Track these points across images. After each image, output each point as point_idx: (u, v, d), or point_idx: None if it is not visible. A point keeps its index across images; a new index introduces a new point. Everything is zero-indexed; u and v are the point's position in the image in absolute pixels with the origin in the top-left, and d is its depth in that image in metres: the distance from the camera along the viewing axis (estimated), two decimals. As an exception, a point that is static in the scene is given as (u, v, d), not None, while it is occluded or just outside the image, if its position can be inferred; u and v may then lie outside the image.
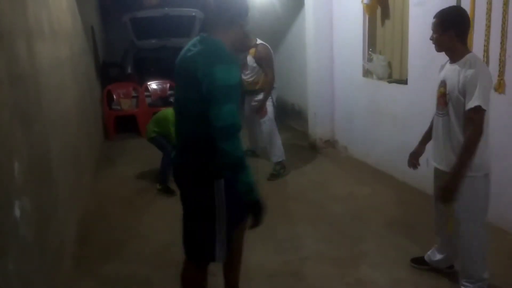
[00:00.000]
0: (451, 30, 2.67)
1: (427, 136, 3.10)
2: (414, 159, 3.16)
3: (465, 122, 2.64)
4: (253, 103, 5.53)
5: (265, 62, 5.34)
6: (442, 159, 2.83)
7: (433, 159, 2.95)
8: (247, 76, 5.49)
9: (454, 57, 2.73)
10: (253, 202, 2.25)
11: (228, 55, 2.22)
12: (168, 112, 5.16)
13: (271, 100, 5.48)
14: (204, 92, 2.13)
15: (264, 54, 5.34)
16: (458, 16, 2.74)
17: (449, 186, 2.65)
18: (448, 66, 2.80)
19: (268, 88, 5.39)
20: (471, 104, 2.55)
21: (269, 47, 5.44)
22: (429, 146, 3.04)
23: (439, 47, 2.76)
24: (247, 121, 5.95)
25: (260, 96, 5.44)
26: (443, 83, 2.78)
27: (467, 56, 2.69)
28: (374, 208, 4.43)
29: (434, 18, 2.74)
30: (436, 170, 2.94)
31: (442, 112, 2.79)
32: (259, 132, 5.80)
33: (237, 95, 2.19)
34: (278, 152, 5.51)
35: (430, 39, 2.80)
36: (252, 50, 5.36)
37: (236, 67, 2.22)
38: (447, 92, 2.73)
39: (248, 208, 2.28)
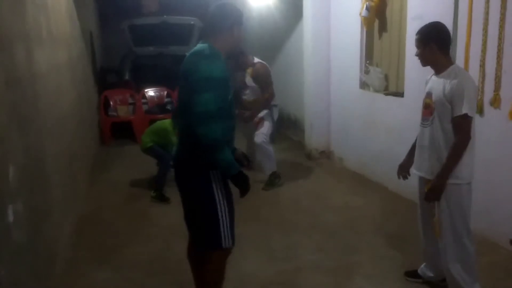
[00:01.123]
0: (432, 44, 2.80)
1: (414, 148, 3.17)
2: (403, 171, 3.24)
3: (453, 129, 2.74)
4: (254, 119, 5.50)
5: (262, 79, 5.34)
6: (427, 168, 2.90)
7: (417, 168, 3.03)
8: (246, 96, 5.51)
9: (439, 69, 2.85)
10: (235, 175, 2.47)
11: (213, 53, 2.45)
12: (166, 122, 5.24)
13: (271, 117, 5.50)
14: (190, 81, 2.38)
15: (261, 71, 5.34)
16: (436, 29, 2.86)
17: (435, 187, 2.79)
18: (434, 78, 2.91)
19: (263, 104, 5.40)
20: (458, 112, 2.68)
21: (267, 65, 5.44)
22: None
23: (424, 61, 2.89)
24: (245, 133, 5.90)
25: (261, 114, 5.45)
26: (428, 95, 2.89)
27: (451, 67, 2.81)
28: (368, 219, 4.43)
29: (416, 35, 2.88)
30: (421, 179, 3.03)
31: (427, 123, 2.89)
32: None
33: (222, 87, 2.41)
34: (270, 165, 5.46)
35: (416, 55, 2.91)
36: (250, 70, 5.37)
37: (221, 63, 2.44)
38: (433, 102, 2.82)
39: (232, 182, 2.51)
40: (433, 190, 2.80)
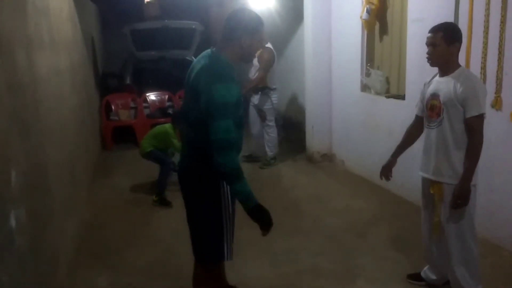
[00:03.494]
0: (457, 43, 2.78)
1: (400, 150, 3.24)
2: (387, 171, 3.26)
3: (467, 129, 2.73)
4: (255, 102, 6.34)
5: (262, 63, 6.03)
6: (434, 169, 2.89)
7: (423, 170, 3.00)
8: (251, 73, 6.17)
9: (448, 70, 2.82)
10: (252, 209, 2.35)
11: (229, 74, 2.35)
12: (166, 126, 5.28)
13: (270, 101, 6.27)
14: (202, 105, 2.30)
15: (265, 56, 6.01)
16: (458, 30, 2.85)
17: (461, 192, 2.74)
18: (439, 79, 2.88)
19: (254, 82, 6.14)
20: (474, 112, 2.68)
21: (274, 51, 6.18)
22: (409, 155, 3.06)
23: (440, 60, 2.81)
24: (252, 126, 6.55)
25: (259, 96, 6.26)
26: (434, 96, 2.86)
27: (460, 69, 2.81)
28: (370, 222, 4.42)
29: (434, 32, 2.79)
30: (425, 180, 3.02)
31: (433, 124, 2.87)
32: (259, 134, 6.54)
33: (236, 111, 2.36)
34: (271, 149, 6.39)
35: (428, 53, 2.84)
36: (259, 52, 5.83)
37: (236, 85, 2.35)
38: (441, 103, 2.79)
39: (249, 215, 2.37)
40: (460, 196, 2.74)
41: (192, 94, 2.41)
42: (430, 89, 2.91)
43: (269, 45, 6.12)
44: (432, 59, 2.83)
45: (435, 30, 2.80)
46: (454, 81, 2.75)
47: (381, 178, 3.29)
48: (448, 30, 2.79)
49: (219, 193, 2.47)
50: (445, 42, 2.75)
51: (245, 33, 2.41)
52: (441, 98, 2.80)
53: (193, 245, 2.64)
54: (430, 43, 2.80)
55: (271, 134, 6.37)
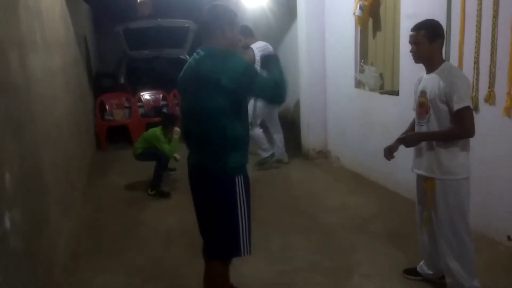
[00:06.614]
0: (439, 40, 2.81)
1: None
2: (388, 152, 3.17)
3: (456, 121, 2.73)
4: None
5: None
6: (426, 166, 2.91)
7: (416, 167, 3.03)
8: None
9: (432, 67, 2.85)
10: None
11: (229, 51, 2.48)
12: (156, 131, 5.29)
13: (255, 102, 6.10)
14: (226, 84, 2.34)
15: (246, 57, 5.87)
16: (440, 26, 2.88)
17: (410, 139, 2.91)
18: (426, 76, 2.91)
19: None
20: (460, 105, 2.67)
21: (254, 51, 6.00)
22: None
23: (424, 57, 2.85)
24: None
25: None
26: (423, 93, 2.89)
27: (443, 64, 2.83)
28: (366, 218, 4.43)
29: (416, 30, 2.84)
30: (419, 176, 3.04)
31: (423, 121, 2.90)
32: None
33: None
34: (261, 151, 6.24)
35: (411, 51, 2.88)
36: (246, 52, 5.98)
37: (240, 55, 2.50)
38: (428, 100, 2.83)
39: None
40: (407, 140, 2.90)
41: (199, 87, 2.43)
42: (420, 87, 2.95)
43: (252, 46, 6.05)
44: (416, 57, 2.88)
45: (417, 28, 2.83)
46: (438, 78, 2.78)
47: (385, 157, 3.19)
48: (429, 27, 2.81)
49: (234, 187, 2.50)
50: (427, 40, 2.78)
51: (225, 23, 2.51)
52: (428, 95, 2.83)
53: (205, 240, 2.68)
54: (413, 42, 2.84)
55: (256, 137, 6.11)
